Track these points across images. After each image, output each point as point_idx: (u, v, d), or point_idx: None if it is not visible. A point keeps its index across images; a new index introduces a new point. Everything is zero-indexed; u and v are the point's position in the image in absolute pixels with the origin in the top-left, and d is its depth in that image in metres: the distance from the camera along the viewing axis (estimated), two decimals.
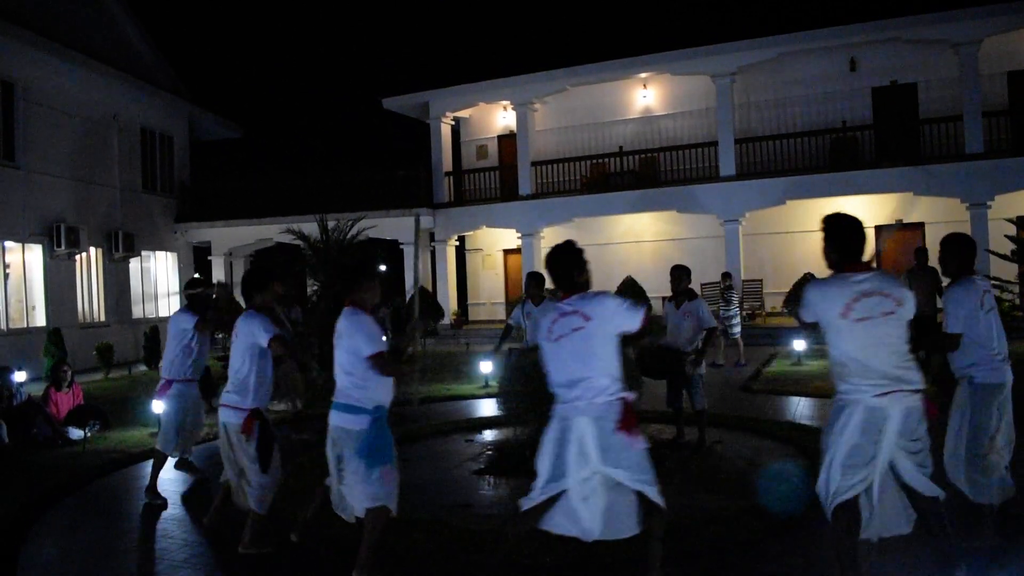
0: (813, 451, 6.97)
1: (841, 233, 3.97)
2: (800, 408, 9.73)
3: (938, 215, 19.14)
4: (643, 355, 7.92)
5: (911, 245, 15.03)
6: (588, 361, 3.92)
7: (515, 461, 7.02)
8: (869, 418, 3.71)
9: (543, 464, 3.98)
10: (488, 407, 10.49)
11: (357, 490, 4.49)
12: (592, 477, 3.87)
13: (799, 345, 13.92)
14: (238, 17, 50.10)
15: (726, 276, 15.78)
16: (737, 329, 14.77)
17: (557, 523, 3.94)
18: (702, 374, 7.85)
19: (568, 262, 4.12)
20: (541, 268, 16.61)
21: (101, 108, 20.08)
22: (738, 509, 5.40)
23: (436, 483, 6.86)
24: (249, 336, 5.20)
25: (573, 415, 3.92)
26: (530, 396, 6.96)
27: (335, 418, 4.59)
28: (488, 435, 8.71)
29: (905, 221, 19.54)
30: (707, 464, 7.07)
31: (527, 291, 8.61)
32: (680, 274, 7.94)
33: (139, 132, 21.80)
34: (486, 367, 12.63)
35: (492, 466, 7.14)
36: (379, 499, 4.46)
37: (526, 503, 4.00)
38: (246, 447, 5.16)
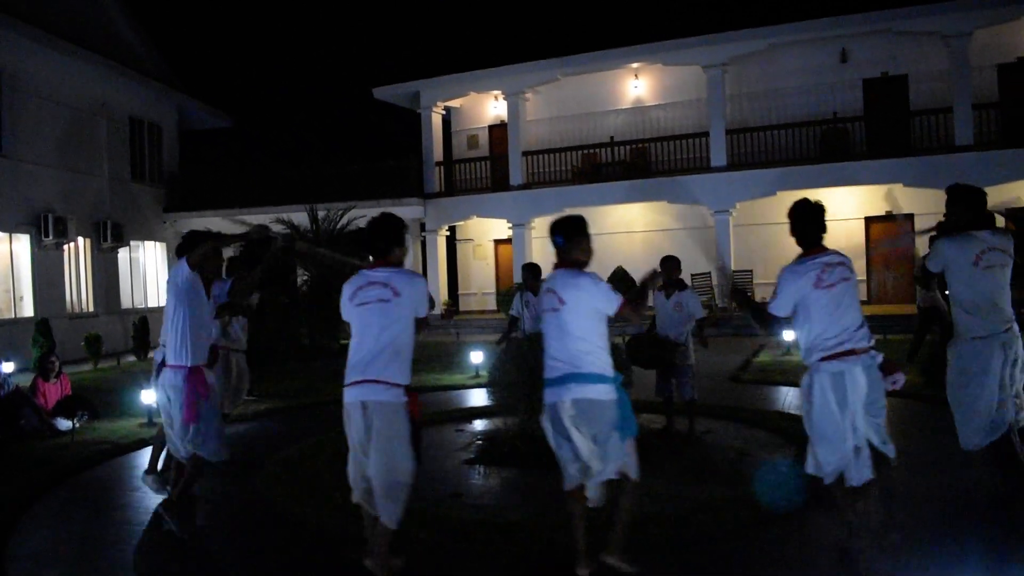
0: (802, 440, 7.01)
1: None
2: (789, 398, 9.75)
3: (928, 206, 19.14)
4: (633, 344, 7.94)
5: (899, 236, 15.10)
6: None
7: (505, 451, 7.04)
8: None
9: None
10: (479, 397, 10.49)
11: (611, 465, 4.22)
12: None
13: (788, 335, 13.93)
14: (229, 6, 49.82)
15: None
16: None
17: None
18: (692, 364, 7.85)
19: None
20: (532, 257, 16.80)
21: (90, 97, 19.94)
22: (727, 499, 5.41)
23: (427, 473, 6.81)
24: None
25: None
26: (521, 386, 6.97)
27: (577, 391, 4.16)
28: (479, 425, 8.70)
29: (895, 212, 19.59)
30: (696, 454, 7.10)
31: (525, 282, 8.75)
32: (671, 265, 7.94)
33: (128, 121, 21.66)
34: (477, 357, 12.62)
35: (482, 456, 7.13)
36: (633, 470, 4.32)
37: None
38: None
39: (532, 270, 8.83)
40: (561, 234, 4.47)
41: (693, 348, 8.05)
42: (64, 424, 8.90)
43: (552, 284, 4.38)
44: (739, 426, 8.15)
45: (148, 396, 9.49)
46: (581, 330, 4.22)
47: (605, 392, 4.15)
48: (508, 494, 6.22)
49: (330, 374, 13.16)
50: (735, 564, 4.55)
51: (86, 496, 6.72)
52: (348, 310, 4.32)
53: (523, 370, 6.96)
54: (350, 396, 4.20)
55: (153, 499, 6.39)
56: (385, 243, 4.33)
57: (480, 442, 7.65)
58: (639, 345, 7.87)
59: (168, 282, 5.45)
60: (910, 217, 19.34)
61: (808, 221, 4.46)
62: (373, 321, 4.19)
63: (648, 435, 7.66)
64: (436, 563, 4.69)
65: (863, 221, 20.51)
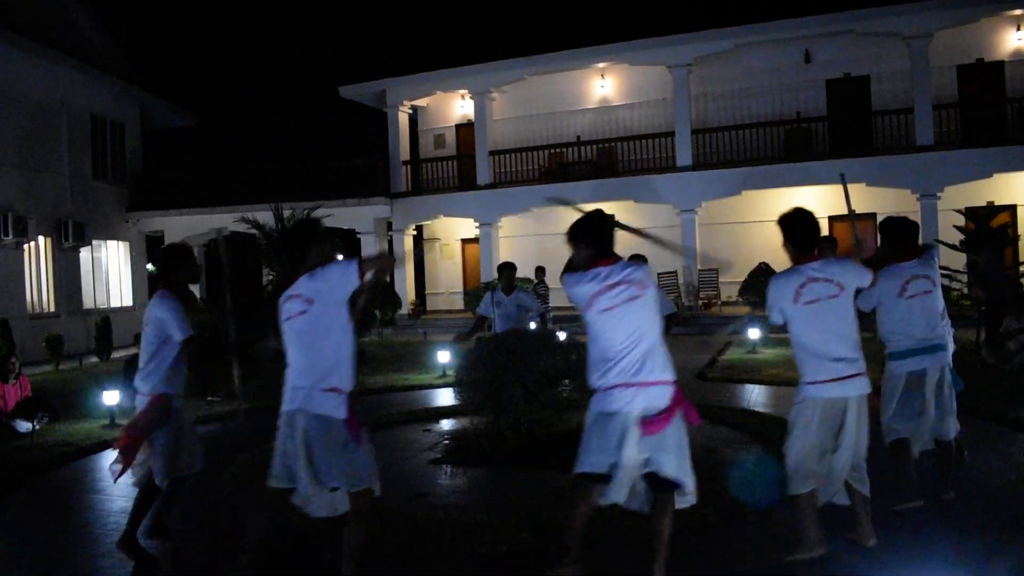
0: (767, 438, 7.10)
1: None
2: (755, 395, 9.87)
3: (889, 206, 19.47)
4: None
5: (861, 235, 15.29)
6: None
7: (472, 451, 7.04)
8: None
9: None
10: (446, 396, 10.48)
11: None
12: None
13: (753, 334, 14.10)
14: (192, 3, 49.22)
15: (540, 271, 15.46)
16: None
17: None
18: None
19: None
20: (499, 256, 16.75)
21: (49, 94, 19.60)
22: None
23: (393, 473, 6.81)
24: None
25: None
26: (488, 385, 6.96)
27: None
28: (445, 424, 8.69)
29: (857, 212, 19.84)
30: None
31: (499, 281, 8.78)
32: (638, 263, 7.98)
33: (89, 119, 21.33)
34: (444, 356, 12.60)
35: (449, 455, 7.13)
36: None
37: None
38: None
39: (507, 269, 8.86)
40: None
41: None
42: (24, 426, 8.75)
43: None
44: (705, 423, 8.19)
45: (110, 397, 9.39)
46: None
47: None
48: (475, 494, 6.22)
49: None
50: (698, 561, 4.58)
51: (47, 499, 6.63)
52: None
53: (490, 369, 6.95)
54: None
55: (117, 500, 6.32)
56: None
57: (447, 442, 7.65)
58: None
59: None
60: (872, 216, 19.66)
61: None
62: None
63: None
64: (402, 563, 4.68)
65: (827, 220, 20.73)
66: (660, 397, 3.93)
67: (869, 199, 18.64)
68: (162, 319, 4.76)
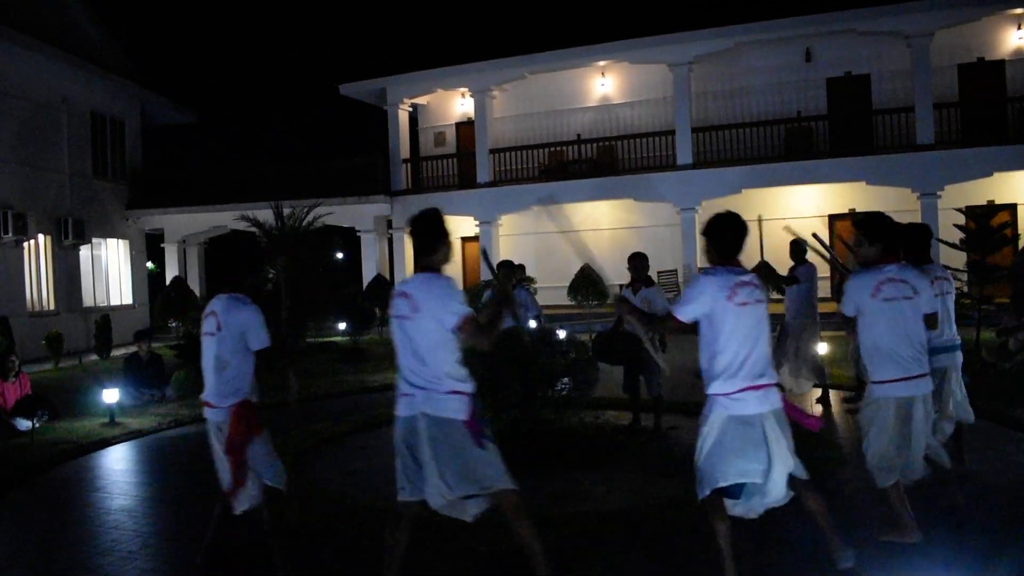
0: None
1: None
2: None
3: (889, 204, 19.47)
4: (599, 341, 7.98)
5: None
6: None
7: None
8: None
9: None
10: None
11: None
12: None
13: None
14: (193, 1, 49.21)
15: (510, 267, 15.27)
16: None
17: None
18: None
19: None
20: (499, 255, 16.69)
21: (49, 91, 19.59)
22: (689, 495, 5.42)
23: (392, 470, 6.81)
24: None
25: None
26: (487, 383, 6.93)
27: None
28: None
29: (858, 210, 19.86)
30: (662, 449, 7.13)
31: (509, 279, 8.78)
32: (639, 262, 8.00)
33: (89, 116, 21.32)
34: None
35: None
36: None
37: None
38: None
39: (506, 268, 8.86)
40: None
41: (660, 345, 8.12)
42: (24, 424, 8.75)
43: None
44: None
45: (110, 395, 9.39)
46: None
47: None
48: None
49: (296, 372, 13.07)
50: (694, 560, 4.57)
51: (46, 497, 6.63)
52: None
53: (489, 368, 6.93)
54: None
55: (116, 498, 6.32)
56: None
57: None
58: (606, 341, 7.91)
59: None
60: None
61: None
62: None
63: (614, 431, 7.73)
64: (403, 562, 4.66)
65: (827, 219, 20.74)
66: (777, 398, 4.01)
67: (869, 198, 18.65)
68: (245, 325, 4.67)
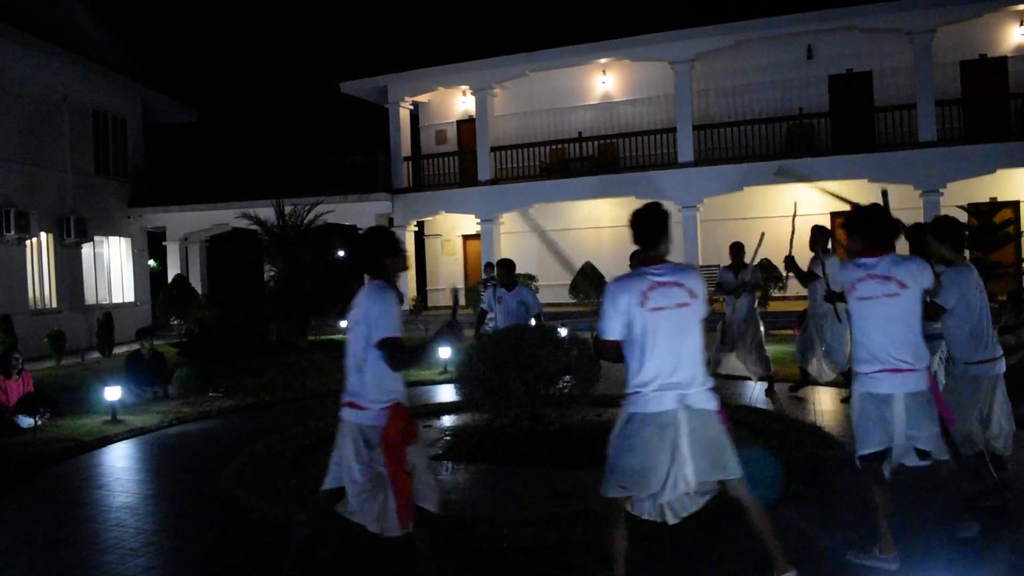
0: (769, 435, 7.10)
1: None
2: (756, 392, 9.84)
3: (892, 202, 19.39)
4: (598, 338, 7.96)
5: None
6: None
7: (473, 447, 7.04)
8: None
9: None
10: (447, 393, 10.50)
11: None
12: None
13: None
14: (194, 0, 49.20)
15: (490, 267, 15.27)
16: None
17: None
18: None
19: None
20: (500, 253, 16.73)
21: (50, 90, 19.61)
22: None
23: None
24: None
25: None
26: (489, 381, 6.94)
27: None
28: (447, 421, 8.69)
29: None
30: None
31: (499, 278, 8.76)
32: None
33: (91, 115, 21.33)
34: (445, 353, 12.58)
35: (449, 451, 7.13)
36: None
37: None
38: None
39: (506, 265, 8.85)
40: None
41: None
42: (26, 422, 8.76)
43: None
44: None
45: (112, 393, 9.40)
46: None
47: None
48: (475, 490, 6.22)
49: (298, 370, 13.10)
50: (693, 558, 4.56)
51: (47, 495, 6.63)
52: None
53: (491, 366, 6.94)
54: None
55: (118, 496, 6.33)
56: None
57: (447, 438, 7.65)
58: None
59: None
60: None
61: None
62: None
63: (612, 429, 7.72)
64: (403, 560, 4.66)
65: (829, 216, 20.69)
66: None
67: (871, 196, 18.56)
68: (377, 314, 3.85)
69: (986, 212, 16.82)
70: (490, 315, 9.29)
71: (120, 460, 7.75)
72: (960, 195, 17.71)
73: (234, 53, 47.40)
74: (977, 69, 19.85)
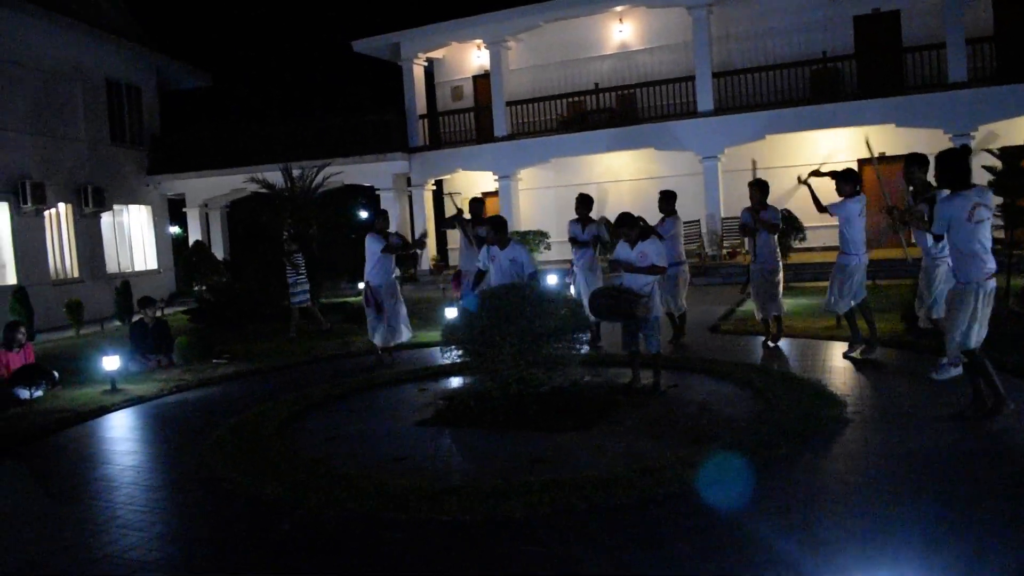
0: (770, 394, 6.81)
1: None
2: (773, 349, 9.50)
3: (921, 147, 18.68)
4: (595, 297, 7.71)
5: (892, 178, 14.65)
6: None
7: (462, 411, 6.85)
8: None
9: None
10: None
11: None
12: None
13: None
14: None
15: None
16: (300, 298, 13.37)
17: None
18: (657, 317, 7.61)
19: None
20: (519, 209, 16.41)
21: (62, 60, 19.55)
22: (676, 459, 5.19)
23: (377, 434, 6.69)
24: None
25: None
26: (474, 343, 6.70)
27: None
28: (444, 384, 8.52)
29: (888, 154, 19.14)
30: (659, 409, 6.88)
31: (488, 237, 8.52)
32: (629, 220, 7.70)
33: (104, 84, 21.27)
34: (452, 314, 12.38)
35: (438, 416, 6.95)
36: None
37: None
38: None
39: (495, 223, 8.59)
40: None
41: (659, 300, 7.87)
42: (24, 393, 8.75)
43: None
44: (707, 379, 7.94)
45: (110, 363, 9.35)
46: None
47: None
48: (450, 458, 6.02)
49: (305, 334, 13.00)
50: (657, 535, 4.29)
51: (29, 468, 6.60)
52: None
53: (477, 327, 6.71)
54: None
55: (94, 468, 6.23)
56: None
57: (440, 402, 7.49)
58: (600, 297, 7.65)
59: None
60: (903, 158, 18.90)
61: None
62: None
63: (612, 390, 7.49)
64: (363, 532, 4.50)
65: (856, 164, 20.04)
66: None
67: (899, 140, 17.92)
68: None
69: (1015, 156, 16.09)
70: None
71: (111, 431, 7.68)
72: (991, 138, 16.97)
73: (246, 15, 47.03)
74: (1011, 4, 18.87)
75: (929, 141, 18.02)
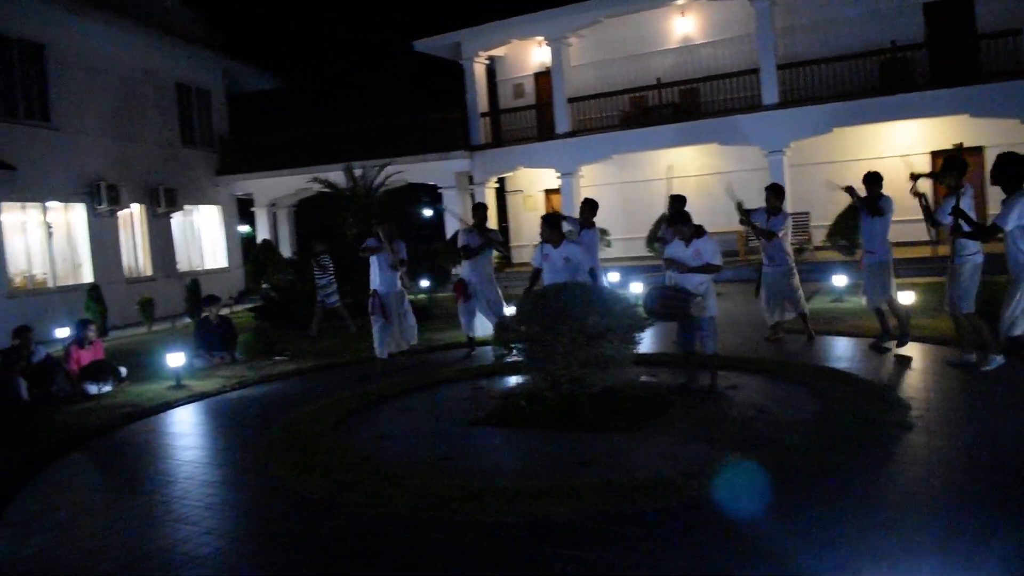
0: (829, 397, 6.62)
1: None
2: (830, 349, 9.27)
3: (998, 137, 18.04)
4: (648, 296, 7.59)
5: (970, 171, 14.12)
6: None
7: (513, 410, 6.83)
8: None
9: None
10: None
11: None
12: None
13: (840, 281, 13.31)
14: None
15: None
16: (334, 299, 13.80)
17: None
18: (713, 316, 7.47)
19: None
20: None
21: (134, 65, 20.14)
22: (725, 462, 5.07)
23: (425, 433, 6.72)
24: None
25: None
26: (527, 343, 6.66)
27: None
28: (497, 383, 8.51)
29: (965, 145, 18.43)
30: (714, 411, 6.74)
31: (542, 235, 8.44)
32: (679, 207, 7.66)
33: (175, 87, 21.85)
34: (511, 312, 12.37)
35: (490, 415, 6.95)
36: None
37: None
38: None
39: (549, 222, 8.51)
40: None
41: (715, 299, 7.73)
42: (93, 388, 9.05)
43: None
44: (765, 380, 7.76)
45: (175, 360, 9.60)
46: None
47: None
48: (501, 457, 6.00)
49: (366, 332, 13.11)
50: (704, 536, 4.22)
51: (93, 462, 6.81)
52: None
53: (531, 327, 6.67)
54: None
55: (153, 462, 6.39)
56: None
57: (492, 401, 7.48)
58: (654, 296, 7.53)
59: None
60: (979, 150, 18.25)
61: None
62: None
63: (667, 390, 7.38)
64: (401, 537, 4.52)
65: (929, 156, 19.40)
66: None
67: (975, 132, 17.28)
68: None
69: None
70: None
71: (173, 426, 7.88)
72: None
73: (311, 18, 47.78)
74: None
75: (1006, 131, 17.41)
